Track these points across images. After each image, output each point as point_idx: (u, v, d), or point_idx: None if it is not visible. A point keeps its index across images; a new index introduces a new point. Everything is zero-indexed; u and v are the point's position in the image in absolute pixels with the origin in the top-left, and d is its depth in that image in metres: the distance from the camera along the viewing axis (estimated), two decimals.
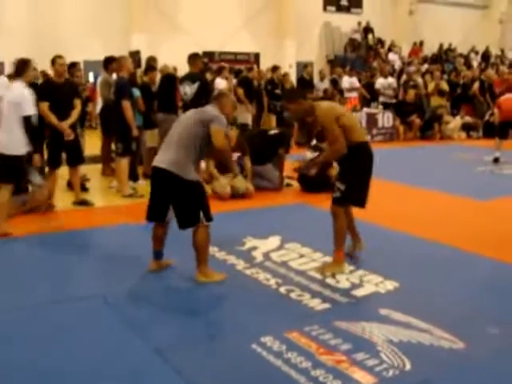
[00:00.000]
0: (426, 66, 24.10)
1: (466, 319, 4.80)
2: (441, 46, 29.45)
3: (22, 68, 7.36)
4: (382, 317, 4.79)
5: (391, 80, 18.52)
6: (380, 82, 18.20)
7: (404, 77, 20.71)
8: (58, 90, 8.42)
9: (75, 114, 8.54)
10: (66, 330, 4.62)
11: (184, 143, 5.50)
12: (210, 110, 5.70)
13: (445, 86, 18.45)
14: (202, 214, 5.50)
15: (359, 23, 28.07)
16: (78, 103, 8.69)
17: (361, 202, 6.01)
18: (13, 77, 7.80)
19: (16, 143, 7.11)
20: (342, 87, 18.81)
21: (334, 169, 9.90)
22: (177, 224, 5.60)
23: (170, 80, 10.43)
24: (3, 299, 5.24)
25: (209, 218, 5.56)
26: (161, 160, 5.56)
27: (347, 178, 5.87)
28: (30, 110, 7.16)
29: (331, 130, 5.74)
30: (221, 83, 13.67)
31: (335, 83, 19.02)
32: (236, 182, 9.07)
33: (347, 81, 18.86)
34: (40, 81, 11.89)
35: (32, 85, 10.80)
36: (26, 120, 7.08)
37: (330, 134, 5.77)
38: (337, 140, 5.72)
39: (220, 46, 23.41)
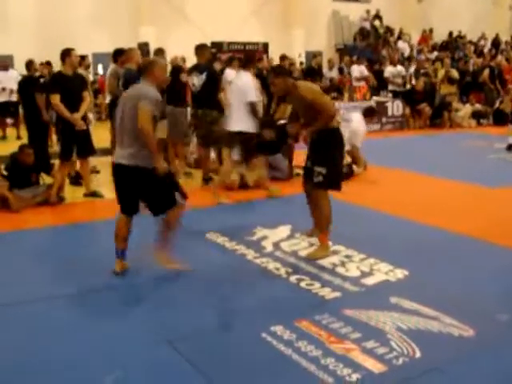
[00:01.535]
0: (435, 54, 23.98)
1: (475, 307, 4.81)
2: (450, 33, 29.28)
3: (252, 58, 8.74)
4: (391, 305, 4.81)
5: (400, 68, 18.42)
6: (389, 71, 18.11)
7: (414, 65, 20.61)
8: (68, 82, 8.45)
9: (85, 106, 8.58)
10: (78, 322, 4.67)
11: (134, 133, 5.29)
12: (139, 88, 5.46)
13: (455, 74, 18.35)
14: (177, 195, 5.47)
15: (368, 11, 27.93)
16: (86, 95, 8.73)
17: (339, 186, 6.19)
18: (239, 66, 9.05)
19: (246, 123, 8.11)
20: (352, 76, 18.74)
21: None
22: (150, 212, 5.53)
23: (176, 72, 10.42)
24: (19, 291, 5.28)
25: (184, 196, 5.58)
26: (120, 155, 5.41)
27: (328, 161, 6.02)
28: (253, 96, 8.16)
29: (320, 99, 6.02)
30: (230, 74, 13.62)
31: (342, 71, 18.96)
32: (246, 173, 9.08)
33: (357, 69, 18.78)
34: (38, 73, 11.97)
35: (38, 78, 10.92)
36: (251, 105, 8.09)
37: (320, 103, 5.98)
38: (326, 108, 5.97)
39: (228, 37, 23.35)
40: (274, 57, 18.75)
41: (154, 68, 5.46)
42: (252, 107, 8.12)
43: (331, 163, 6.02)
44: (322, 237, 6.15)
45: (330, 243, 6.24)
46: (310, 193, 6.31)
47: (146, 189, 5.40)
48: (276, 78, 6.12)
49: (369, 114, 10.91)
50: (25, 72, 12.63)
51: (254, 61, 9.10)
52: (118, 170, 5.46)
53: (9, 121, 15.76)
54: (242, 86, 8.20)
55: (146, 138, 5.20)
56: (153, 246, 5.62)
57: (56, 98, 8.35)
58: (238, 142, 8.23)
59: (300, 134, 6.62)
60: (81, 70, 10.42)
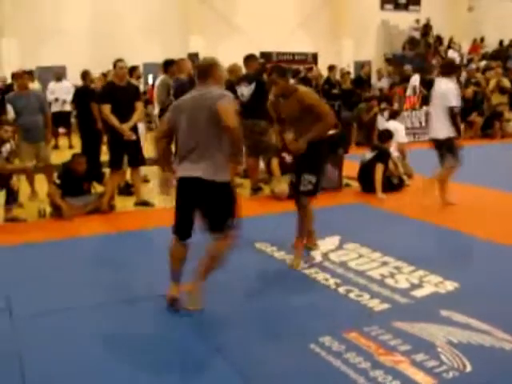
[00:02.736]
0: (484, 63, 23.65)
1: None
2: (501, 42, 28.88)
3: (450, 67, 8.79)
4: (441, 318, 4.76)
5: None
6: None
7: (464, 74, 20.35)
8: (119, 92, 8.59)
9: (136, 117, 8.70)
10: (129, 329, 4.74)
11: (213, 140, 4.83)
12: (207, 91, 4.91)
13: (506, 83, 18.07)
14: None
15: (417, 20, 27.72)
16: (139, 105, 8.85)
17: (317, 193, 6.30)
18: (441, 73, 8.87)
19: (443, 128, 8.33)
20: (410, 85, 18.52)
21: (396, 166, 9.87)
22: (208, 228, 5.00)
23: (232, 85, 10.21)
24: (69, 297, 5.38)
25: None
26: (192, 168, 4.86)
27: (317, 170, 6.14)
28: (454, 102, 8.30)
29: (321, 105, 6.06)
30: None
31: (403, 81, 18.67)
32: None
33: (414, 79, 18.53)
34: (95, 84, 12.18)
35: (91, 88, 11.12)
36: (451, 109, 8.23)
37: (321, 108, 6.00)
38: (328, 113, 5.99)
39: (277, 47, 23.42)
40: (323, 67, 18.69)
41: (215, 69, 5.01)
42: (453, 112, 8.28)
43: (321, 172, 6.23)
44: (301, 241, 6.31)
45: (378, 254, 6.22)
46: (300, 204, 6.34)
47: (216, 204, 4.87)
48: (280, 79, 6.08)
49: (385, 138, 10.04)
50: (77, 83, 12.88)
51: (456, 69, 9.35)
52: (188, 185, 4.87)
53: (61, 130, 16.05)
54: (444, 91, 8.33)
55: (233, 136, 4.70)
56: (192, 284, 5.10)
57: (106, 108, 8.50)
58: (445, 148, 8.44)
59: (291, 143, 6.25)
60: (133, 81, 10.57)
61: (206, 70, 5.02)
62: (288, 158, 9.23)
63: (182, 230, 5.03)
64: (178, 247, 5.07)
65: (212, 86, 4.93)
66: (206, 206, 4.90)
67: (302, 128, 6.02)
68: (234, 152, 4.84)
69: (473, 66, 21.71)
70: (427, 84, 18.57)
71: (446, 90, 8.31)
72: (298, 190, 6.25)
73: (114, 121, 8.48)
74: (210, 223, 4.92)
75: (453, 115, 8.28)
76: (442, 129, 8.36)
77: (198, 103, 4.85)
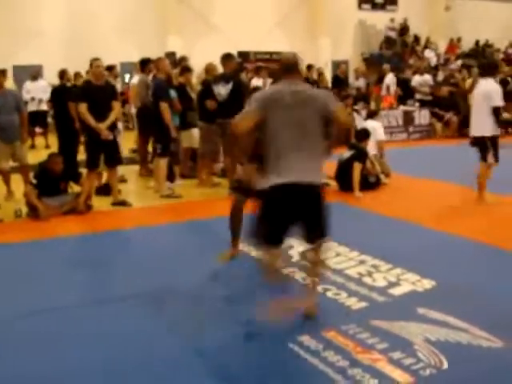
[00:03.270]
0: (459, 62, 23.81)
1: (504, 318, 4.75)
2: (477, 41, 29.11)
3: (493, 68, 9.16)
4: (419, 316, 4.78)
5: (427, 77, 18.32)
6: (416, 80, 18.04)
7: (441, 74, 20.48)
8: (96, 91, 8.54)
9: (113, 116, 8.65)
10: (107, 328, 4.70)
11: (318, 143, 4.65)
12: (307, 87, 4.82)
13: None
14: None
15: (392, 19, 27.76)
16: (116, 105, 8.81)
17: None
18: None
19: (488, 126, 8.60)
20: (384, 84, 18.61)
21: (373, 165, 9.92)
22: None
23: (209, 85, 10.22)
24: (48, 298, 5.34)
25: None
26: (299, 173, 4.50)
27: None
28: (499, 101, 8.54)
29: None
30: (257, 83, 13.73)
31: (380, 81, 18.78)
32: None
33: (390, 78, 18.65)
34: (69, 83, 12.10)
35: (70, 87, 11.04)
36: (495, 109, 8.49)
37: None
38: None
39: (255, 46, 23.40)
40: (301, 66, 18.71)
41: (300, 65, 4.81)
42: (496, 112, 8.48)
43: None
44: None
45: (356, 253, 6.25)
46: None
47: (322, 210, 4.62)
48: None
49: (362, 137, 9.98)
50: (54, 82, 12.78)
51: (498, 68, 9.46)
52: (294, 192, 4.48)
53: (38, 130, 15.94)
54: (488, 91, 8.52)
55: (347, 138, 4.73)
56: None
57: (83, 107, 8.45)
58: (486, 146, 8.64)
59: None
60: (111, 80, 10.52)
61: (294, 64, 4.71)
62: None
63: (277, 239, 4.68)
64: (273, 253, 4.78)
65: (300, 82, 4.74)
66: (313, 213, 4.58)
67: None
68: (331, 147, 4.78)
69: (453, 65, 21.86)
70: (402, 83, 18.71)
71: (490, 90, 8.56)
72: None
73: (91, 120, 8.43)
74: (317, 230, 4.63)
75: (497, 114, 8.54)
76: (486, 127, 8.61)
77: (301, 100, 4.53)
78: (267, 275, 4.91)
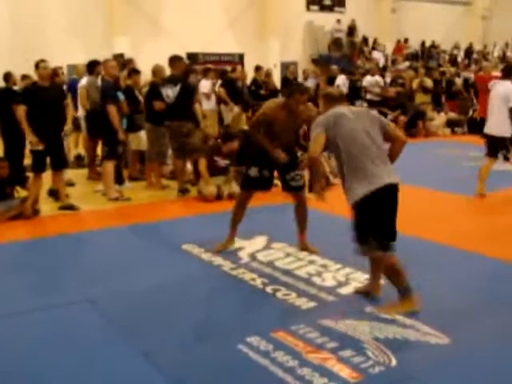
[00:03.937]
0: (406, 64, 24.16)
1: (451, 315, 4.84)
2: (423, 42, 29.60)
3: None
4: (367, 314, 4.83)
5: (378, 78, 18.52)
6: (367, 80, 18.21)
7: (389, 74, 20.71)
8: (43, 93, 8.38)
9: (70, 114, 8.55)
10: (54, 336, 4.62)
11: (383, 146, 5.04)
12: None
13: (429, 83, 18.48)
14: None
15: (338, 21, 27.94)
16: (67, 104, 8.69)
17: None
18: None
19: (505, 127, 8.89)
20: (336, 85, 18.68)
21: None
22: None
23: (156, 87, 10.21)
24: None
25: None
26: (385, 174, 4.86)
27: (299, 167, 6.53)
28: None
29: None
30: (205, 85, 13.68)
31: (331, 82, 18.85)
32: (222, 184, 9.15)
33: (340, 79, 18.74)
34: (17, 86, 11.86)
35: (13, 90, 10.83)
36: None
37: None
38: None
39: (204, 47, 23.35)
40: (250, 67, 18.73)
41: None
42: None
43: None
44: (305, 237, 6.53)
45: (305, 253, 6.29)
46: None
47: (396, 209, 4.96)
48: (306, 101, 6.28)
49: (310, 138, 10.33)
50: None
51: None
52: (391, 191, 4.85)
53: None
54: (505, 92, 8.78)
55: (402, 148, 5.09)
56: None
57: (21, 109, 8.28)
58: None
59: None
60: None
61: (343, 94, 5.66)
62: (222, 161, 9.31)
63: (395, 234, 4.92)
64: (393, 253, 4.92)
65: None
66: (395, 211, 4.92)
67: (290, 139, 6.44)
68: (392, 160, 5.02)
69: (401, 66, 22.13)
70: (350, 83, 18.80)
71: (508, 91, 8.82)
72: (292, 187, 6.51)
73: (25, 124, 8.26)
74: (394, 230, 4.90)
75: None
76: (503, 127, 8.91)
77: (360, 113, 5.08)
78: (396, 275, 4.94)
